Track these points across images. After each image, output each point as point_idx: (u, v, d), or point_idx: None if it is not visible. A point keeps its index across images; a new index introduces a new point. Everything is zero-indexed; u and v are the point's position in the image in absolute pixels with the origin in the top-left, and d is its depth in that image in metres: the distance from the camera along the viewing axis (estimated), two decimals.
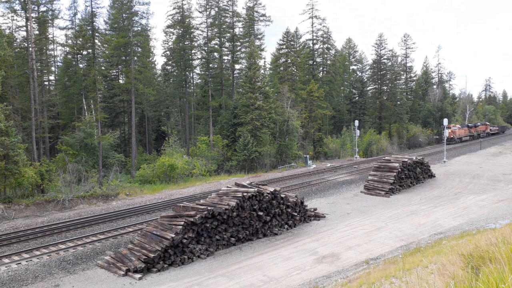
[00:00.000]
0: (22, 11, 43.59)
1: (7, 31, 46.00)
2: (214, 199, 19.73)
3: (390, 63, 78.41)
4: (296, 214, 21.54)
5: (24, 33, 44.82)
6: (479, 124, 78.22)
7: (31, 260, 16.88)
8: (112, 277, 15.09)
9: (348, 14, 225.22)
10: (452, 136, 65.88)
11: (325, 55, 71.60)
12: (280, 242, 19.01)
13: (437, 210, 24.06)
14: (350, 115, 77.56)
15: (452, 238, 16.82)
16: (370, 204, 26.52)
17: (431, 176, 35.20)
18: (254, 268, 15.46)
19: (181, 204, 19.25)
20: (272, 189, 20.62)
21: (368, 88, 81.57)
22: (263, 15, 62.38)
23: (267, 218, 19.90)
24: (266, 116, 47.06)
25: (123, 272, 15.19)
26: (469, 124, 75.32)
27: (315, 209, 23.72)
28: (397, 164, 30.79)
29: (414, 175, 32.48)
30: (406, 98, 79.27)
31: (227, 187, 22.06)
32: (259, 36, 62.22)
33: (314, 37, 68.58)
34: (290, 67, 64.80)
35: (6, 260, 16.90)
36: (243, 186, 21.32)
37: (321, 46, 70.09)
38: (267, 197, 20.09)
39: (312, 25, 67.59)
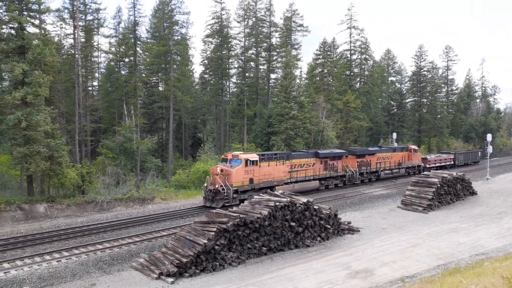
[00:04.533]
0: (71, 20, 45.90)
1: (56, 39, 48.53)
2: (246, 207, 19.79)
3: (430, 75, 76.22)
4: (329, 226, 21.20)
5: (71, 41, 47.13)
6: None
7: (70, 258, 17.55)
8: (145, 280, 15.41)
9: (387, 25, 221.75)
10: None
11: (363, 66, 70.64)
12: (312, 254, 18.75)
13: (478, 229, 22.96)
14: (387, 127, 75.81)
15: (494, 259, 15.99)
16: (407, 220, 25.69)
17: (473, 193, 33.68)
18: (285, 280, 15.31)
19: (214, 211, 19.44)
20: (305, 200, 20.44)
21: (407, 100, 79.50)
22: (301, 25, 62.51)
23: (299, 229, 19.71)
24: (300, 125, 46.85)
25: (156, 275, 15.47)
26: None
27: (349, 223, 23.26)
28: (436, 180, 29.71)
29: (454, 192, 31.21)
30: (447, 111, 76.58)
31: (260, 195, 22.08)
32: (296, 46, 62.34)
33: (352, 48, 67.88)
34: (326, 77, 64.39)
35: (48, 257, 17.66)
36: (276, 195, 21.26)
37: (359, 56, 69.24)
38: (300, 208, 19.92)
39: (350, 36, 66.98)
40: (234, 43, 58.05)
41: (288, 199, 19.80)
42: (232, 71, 60.48)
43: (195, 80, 71.82)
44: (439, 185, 29.32)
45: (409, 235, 21.93)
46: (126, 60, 52.39)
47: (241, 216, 17.85)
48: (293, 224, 19.42)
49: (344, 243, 20.59)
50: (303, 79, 68.49)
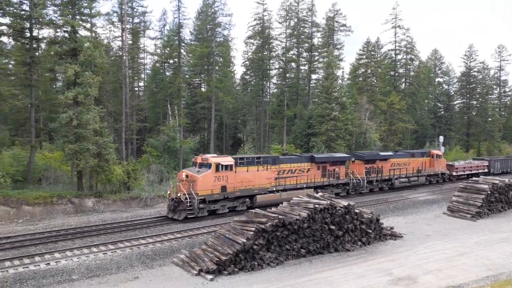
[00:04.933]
0: (119, 23, 47.84)
1: (105, 41, 50.78)
2: (285, 208, 19.73)
3: (481, 76, 72.48)
4: (370, 231, 20.70)
5: (119, 43, 49.07)
6: None
7: (115, 252, 18.29)
8: (185, 276, 15.76)
9: (435, 24, 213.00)
10: None
11: (408, 66, 68.41)
12: (352, 258, 18.39)
13: None
14: (434, 130, 72.89)
15: None
16: (453, 227, 24.57)
17: None
18: (324, 283, 15.12)
19: (253, 211, 19.54)
20: (345, 203, 20.08)
21: (455, 102, 76.08)
22: (344, 25, 61.51)
23: (339, 232, 19.39)
24: (342, 127, 46.09)
25: (196, 272, 15.79)
26: None
27: (391, 228, 22.59)
28: (486, 186, 28.18)
29: (506, 200, 29.46)
30: (499, 114, 72.48)
31: (299, 197, 21.94)
32: (338, 46, 61.41)
33: (397, 47, 65.93)
34: (369, 78, 62.94)
35: (95, 249, 18.51)
36: (315, 197, 21.04)
37: (404, 56, 67.15)
38: (340, 211, 19.59)
39: (395, 35, 65.13)
40: (275, 44, 58.13)
41: (328, 202, 19.54)
42: (273, 72, 60.58)
43: (236, 81, 72.63)
44: (489, 192, 27.79)
45: (455, 243, 20.96)
46: (171, 61, 53.86)
47: (279, 217, 17.83)
48: (333, 227, 19.13)
49: (386, 248, 20.02)
50: (345, 79, 67.40)
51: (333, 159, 32.69)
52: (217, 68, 52.57)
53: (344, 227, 19.70)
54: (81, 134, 29.40)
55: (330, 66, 48.23)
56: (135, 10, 50.14)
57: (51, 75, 41.98)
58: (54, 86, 46.99)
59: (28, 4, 32.61)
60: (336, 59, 54.00)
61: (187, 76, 54.86)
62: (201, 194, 24.21)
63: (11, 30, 33.29)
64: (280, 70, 59.53)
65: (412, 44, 66.31)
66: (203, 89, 59.82)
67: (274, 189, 28.41)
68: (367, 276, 15.85)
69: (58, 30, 34.33)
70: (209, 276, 15.38)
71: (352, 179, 34.06)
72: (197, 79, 60.25)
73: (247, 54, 62.19)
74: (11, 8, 31.89)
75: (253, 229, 16.99)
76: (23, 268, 15.95)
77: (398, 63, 67.20)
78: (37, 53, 36.74)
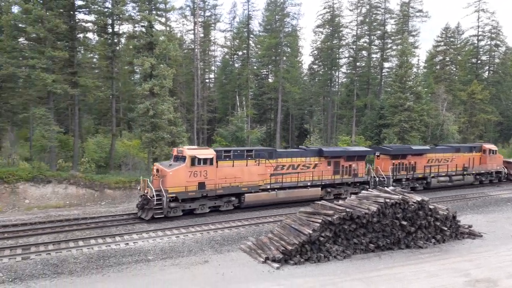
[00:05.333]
0: (191, 17, 49.57)
1: (179, 35, 52.98)
2: (353, 201, 19.27)
3: None
4: (446, 229, 19.48)
5: (192, 36, 50.99)
6: None
7: (187, 236, 19.24)
8: (252, 262, 16.12)
9: None
10: None
11: (493, 53, 62.71)
12: (425, 256, 17.49)
13: None
14: None
15: None
16: None
17: None
18: (394, 279, 14.58)
19: (320, 202, 19.36)
20: (419, 198, 19.08)
21: None
22: (420, 10, 57.88)
23: (412, 228, 18.51)
24: (416, 118, 43.68)
25: (262, 259, 16.08)
26: None
27: (469, 226, 21.07)
28: None
29: None
30: None
31: (368, 190, 21.29)
32: (414, 33, 58.02)
33: (480, 33, 60.65)
34: (448, 66, 58.79)
35: (168, 233, 19.62)
36: (386, 191, 20.27)
37: (488, 42, 61.59)
38: (413, 207, 18.67)
39: (478, 20, 59.97)
40: (345, 32, 56.56)
41: (400, 197, 18.71)
42: (342, 61, 59.03)
43: (303, 71, 71.92)
44: None
45: None
46: (240, 53, 54.81)
47: (347, 210, 17.46)
48: (404, 223, 18.31)
49: (462, 247, 18.75)
50: (421, 68, 63.59)
51: (349, 153, 28.49)
52: (284, 58, 52.43)
53: (417, 223, 18.76)
54: (157, 123, 31.14)
55: (405, 53, 45.76)
56: (206, 3, 51.60)
57: (130, 68, 44.92)
58: (132, 78, 50.23)
59: (110, 1, 34.99)
60: (411, 47, 51.06)
61: (255, 67, 55.46)
62: (171, 192, 21.31)
63: (95, 26, 36.08)
64: (350, 59, 57.80)
65: (498, 29, 60.62)
66: (270, 80, 60.14)
67: (269, 187, 24.83)
68: (440, 275, 15.00)
69: (136, 25, 36.58)
70: (275, 265, 15.58)
71: (375, 177, 29.56)
72: (264, 70, 60.67)
73: (315, 43, 61.22)
74: (96, 6, 34.49)
75: (320, 221, 16.85)
76: (106, 246, 17.40)
77: (481, 49, 61.85)
78: (117, 48, 39.42)
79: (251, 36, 51.96)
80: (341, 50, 57.09)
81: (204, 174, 22.28)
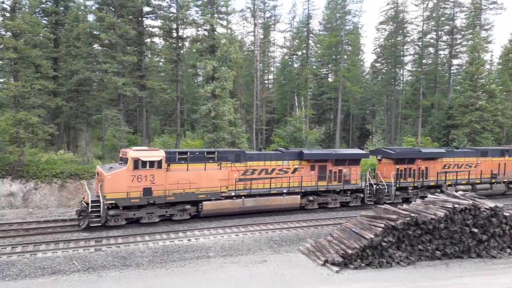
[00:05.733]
0: (252, 18, 50.24)
1: (239, 37, 53.94)
2: (419, 206, 18.39)
3: None
4: None
5: (252, 38, 51.67)
6: None
7: (246, 234, 19.55)
8: (311, 264, 15.99)
9: None
10: None
11: None
12: (499, 267, 16.22)
13: None
14: None
15: None
16: None
17: None
18: None
19: (382, 206, 18.71)
20: (492, 205, 17.74)
21: None
22: (494, 2, 53.60)
23: (483, 237, 17.26)
24: (489, 118, 40.63)
25: (321, 262, 15.88)
26: None
27: None
28: None
29: None
30: None
31: (435, 194, 20.19)
32: (486, 27, 53.93)
33: None
34: None
35: (228, 231, 20.07)
36: (454, 196, 19.09)
37: None
38: (485, 213, 17.39)
39: None
40: (410, 28, 54.02)
41: (470, 202, 17.53)
42: (407, 58, 56.46)
43: (365, 69, 69.89)
44: None
45: None
46: (299, 53, 54.56)
47: (412, 215, 16.71)
48: (475, 230, 17.12)
49: None
50: (495, 64, 58.98)
51: (338, 157, 24.99)
52: (345, 57, 51.32)
53: (490, 231, 17.46)
54: (218, 124, 32.00)
55: (476, 49, 42.73)
56: (266, 4, 51.97)
57: (193, 70, 46.57)
58: (196, 81, 52.02)
59: (175, 6, 36.55)
60: (484, 42, 47.54)
61: (314, 66, 54.90)
62: (110, 198, 19.04)
63: (161, 31, 37.91)
64: (416, 56, 55.12)
65: None
66: (330, 79, 59.17)
67: (233, 194, 22.02)
68: None
69: (199, 29, 37.83)
70: (335, 268, 15.31)
71: (372, 184, 26.05)
72: (324, 70, 59.85)
73: (378, 40, 59.25)
74: (162, 12, 36.23)
75: (382, 225, 16.28)
76: (170, 242, 18.21)
77: None
78: (181, 51, 41.06)
79: (311, 35, 51.51)
80: (405, 47, 54.66)
81: (150, 178, 19.75)
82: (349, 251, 15.82)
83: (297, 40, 54.09)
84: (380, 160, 27.87)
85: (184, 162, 20.94)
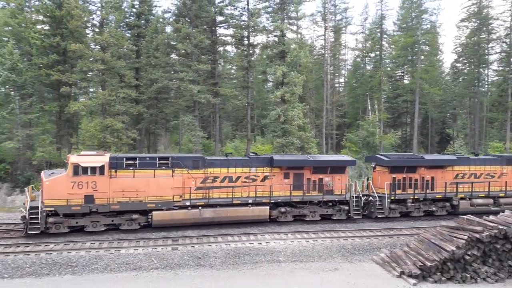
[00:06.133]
0: (322, 22, 49.78)
1: (309, 41, 53.70)
2: (508, 217, 16.74)
3: None
4: None
5: (322, 41, 51.17)
6: None
7: (316, 241, 19.27)
8: (386, 275, 15.31)
9: None
10: None
11: None
12: None
13: None
14: None
15: None
16: None
17: None
18: None
19: (465, 217, 17.34)
20: None
21: None
22: None
23: None
24: None
25: (397, 273, 15.13)
26: None
27: None
28: None
29: None
30: None
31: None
32: None
33: None
34: None
35: (298, 236, 19.96)
36: None
37: None
38: None
39: None
40: (496, 24, 49.66)
41: None
42: (493, 57, 51.93)
43: (444, 70, 65.53)
44: None
45: None
46: (372, 55, 52.87)
47: (500, 227, 15.26)
48: None
49: None
50: None
51: (317, 164, 22.31)
52: (422, 57, 48.59)
53: None
54: (287, 129, 32.11)
55: None
56: (337, 7, 51.22)
57: (263, 76, 47.33)
58: (266, 87, 52.73)
59: (247, 15, 37.48)
60: None
61: (388, 68, 52.77)
62: (49, 204, 18.22)
63: (233, 39, 39.08)
64: (503, 54, 50.48)
65: None
66: (406, 81, 56.39)
67: (188, 203, 20.20)
68: None
69: (269, 35, 38.37)
70: (412, 281, 14.48)
71: (361, 196, 23.24)
72: (399, 71, 57.20)
73: (459, 39, 55.24)
74: (234, 20, 37.36)
75: (465, 237, 15.08)
76: (241, 244, 18.57)
77: None
78: (252, 58, 41.94)
79: (384, 36, 49.64)
80: (490, 45, 50.33)
81: (92, 185, 18.65)
82: (428, 263, 14.87)
83: (369, 42, 52.47)
84: (374, 168, 25.00)
85: (134, 168, 19.47)
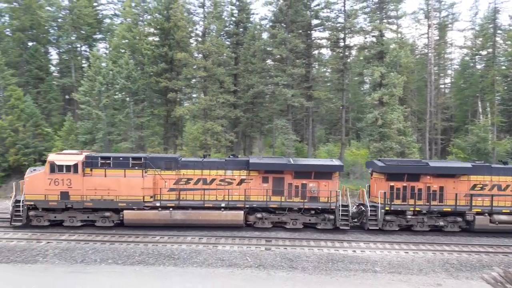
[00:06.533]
0: (425, 20, 46.57)
1: (410, 40, 50.63)
2: None
3: None
4: None
5: (425, 40, 47.79)
6: None
7: (416, 253, 18.04)
8: None
9: None
10: None
11: None
12: None
13: None
14: None
15: None
16: None
17: None
18: None
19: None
20: None
21: None
22: None
23: None
24: None
25: None
26: None
27: None
28: None
29: None
30: None
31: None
32: None
33: None
34: None
35: (396, 247, 18.87)
36: None
37: None
38: None
39: None
40: None
41: None
42: None
43: None
44: None
45: None
46: (483, 53, 47.79)
47: None
48: None
49: None
50: None
51: (299, 168, 20.69)
52: None
53: None
54: (385, 133, 30.62)
55: None
56: (442, 3, 47.51)
57: (359, 78, 45.86)
58: (362, 89, 51.07)
59: (343, 16, 36.76)
60: None
61: (503, 67, 47.17)
62: (29, 199, 19.88)
63: (328, 42, 38.61)
64: None
65: None
66: None
67: (158, 204, 20.17)
68: None
69: (366, 36, 37.06)
70: None
71: (349, 204, 21.00)
72: None
73: None
74: (329, 23, 36.91)
75: None
76: (334, 250, 18.19)
77: None
78: (348, 60, 40.92)
79: (498, 31, 44.46)
80: None
81: (67, 183, 19.81)
82: None
83: (480, 38, 47.48)
84: (371, 175, 22.41)
85: (105, 168, 20.15)
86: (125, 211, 20.18)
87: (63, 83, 41.90)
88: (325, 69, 50.60)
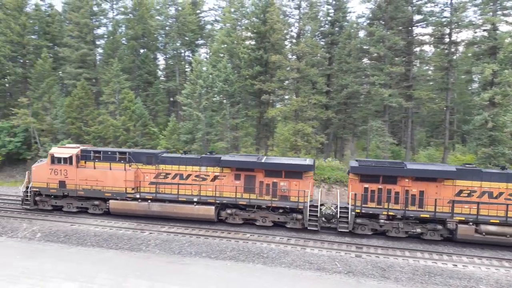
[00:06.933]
0: None
1: None
2: None
3: None
4: None
5: None
6: None
7: None
8: None
9: None
10: None
11: None
12: None
13: None
14: None
15: None
16: None
17: None
18: None
19: None
20: None
21: None
22: None
23: None
24: None
25: None
26: None
27: None
28: None
29: None
30: None
31: None
32: None
33: None
34: None
35: (506, 264, 16.92)
36: None
37: None
38: None
39: None
40: None
41: None
42: None
43: None
44: None
45: None
46: None
47: None
48: None
49: None
50: None
51: (268, 167, 20.81)
52: None
53: None
54: (496, 137, 27.57)
55: None
56: None
57: (467, 77, 41.85)
58: (470, 88, 46.56)
59: (449, 10, 33.90)
60: None
61: None
62: (35, 186, 23.25)
63: (432, 38, 35.90)
64: None
65: None
66: None
67: (138, 196, 21.94)
68: None
69: (476, 30, 33.64)
70: None
71: (319, 205, 20.47)
72: None
73: None
74: (433, 18, 34.31)
75: None
76: (432, 262, 16.97)
77: None
78: (454, 57, 37.60)
79: None
80: None
81: (64, 173, 22.68)
82: None
83: None
84: (348, 175, 21.36)
85: (99, 160, 22.66)
86: (110, 201, 22.53)
87: (168, 87, 45.56)
88: (427, 67, 47.15)
